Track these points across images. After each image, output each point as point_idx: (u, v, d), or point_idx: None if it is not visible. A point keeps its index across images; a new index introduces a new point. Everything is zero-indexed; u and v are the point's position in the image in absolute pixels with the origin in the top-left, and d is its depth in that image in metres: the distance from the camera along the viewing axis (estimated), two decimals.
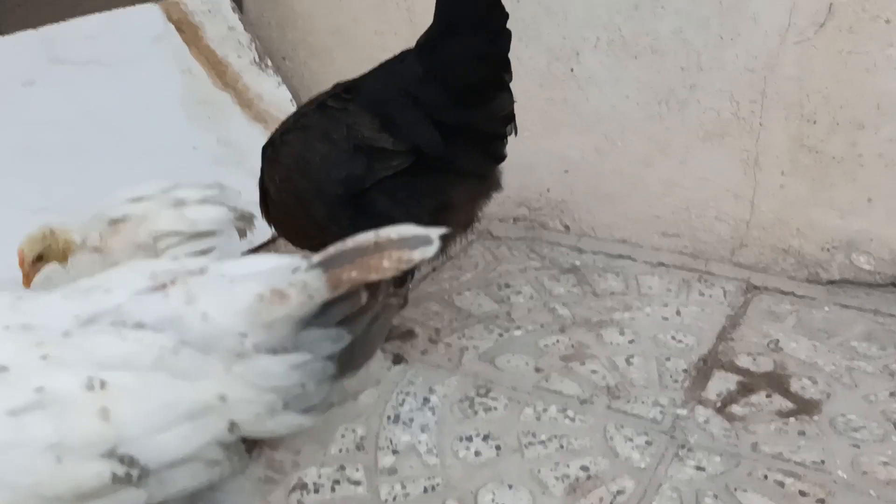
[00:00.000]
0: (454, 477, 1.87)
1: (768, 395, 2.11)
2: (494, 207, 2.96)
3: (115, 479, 0.99)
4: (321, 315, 1.04)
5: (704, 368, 2.22)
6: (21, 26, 2.54)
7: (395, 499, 1.81)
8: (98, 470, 0.99)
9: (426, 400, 2.11)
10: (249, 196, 2.74)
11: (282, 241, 2.48)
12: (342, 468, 1.89)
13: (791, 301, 2.52)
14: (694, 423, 2.02)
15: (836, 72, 2.41)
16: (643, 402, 2.09)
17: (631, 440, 1.96)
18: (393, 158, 2.03)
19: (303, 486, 1.84)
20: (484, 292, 2.59)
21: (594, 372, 2.20)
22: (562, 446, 1.95)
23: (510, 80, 2.07)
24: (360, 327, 1.06)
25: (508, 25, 2.02)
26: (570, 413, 2.06)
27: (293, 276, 1.04)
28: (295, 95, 3.10)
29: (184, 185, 2.08)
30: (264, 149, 2.20)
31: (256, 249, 2.57)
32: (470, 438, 1.98)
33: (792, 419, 2.02)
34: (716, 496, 1.79)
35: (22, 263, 1.95)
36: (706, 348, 2.30)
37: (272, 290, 1.03)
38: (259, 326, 1.03)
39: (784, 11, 2.41)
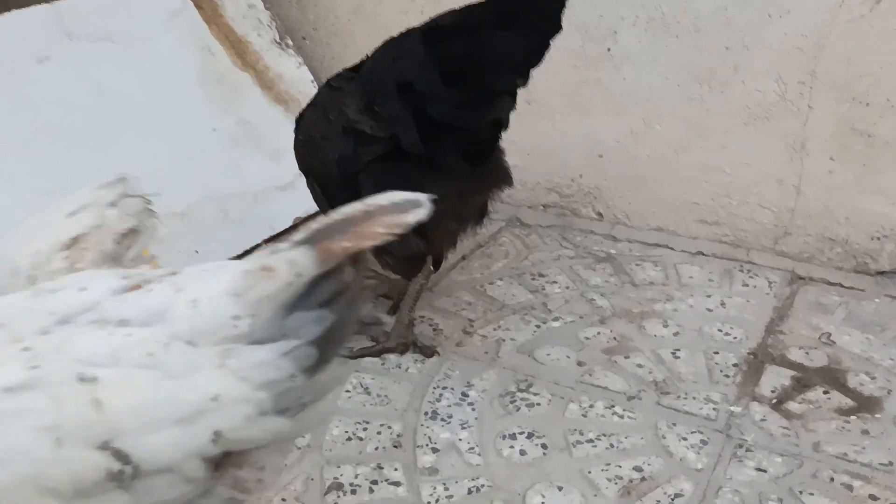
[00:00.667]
0: (499, 477, 1.76)
1: (826, 392, 1.99)
2: (524, 194, 2.87)
3: (110, 475, 0.95)
4: (306, 296, 1.01)
5: (755, 363, 2.10)
6: (34, 0, 2.42)
7: (437, 501, 1.70)
8: (95, 461, 0.95)
9: (464, 395, 2.00)
10: (267, 178, 2.64)
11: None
12: (379, 467, 1.78)
13: (839, 292, 2.41)
14: (750, 420, 1.90)
15: (890, 52, 2.28)
16: (694, 399, 1.97)
17: (685, 439, 1.85)
18: (373, 143, 1.92)
19: (338, 487, 1.73)
20: (517, 282, 2.48)
21: (640, 366, 2.09)
22: (612, 445, 1.84)
23: (523, 86, 1.89)
24: (340, 308, 1.03)
25: None
26: (618, 409, 1.94)
27: (277, 254, 1.01)
28: (315, 76, 2.97)
29: (92, 185, 1.94)
30: (296, 120, 2.18)
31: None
32: (513, 436, 1.87)
33: (853, 417, 1.91)
34: (780, 500, 1.68)
35: None
36: (755, 341, 2.18)
37: (259, 265, 1.01)
38: (249, 306, 0.99)
39: None
